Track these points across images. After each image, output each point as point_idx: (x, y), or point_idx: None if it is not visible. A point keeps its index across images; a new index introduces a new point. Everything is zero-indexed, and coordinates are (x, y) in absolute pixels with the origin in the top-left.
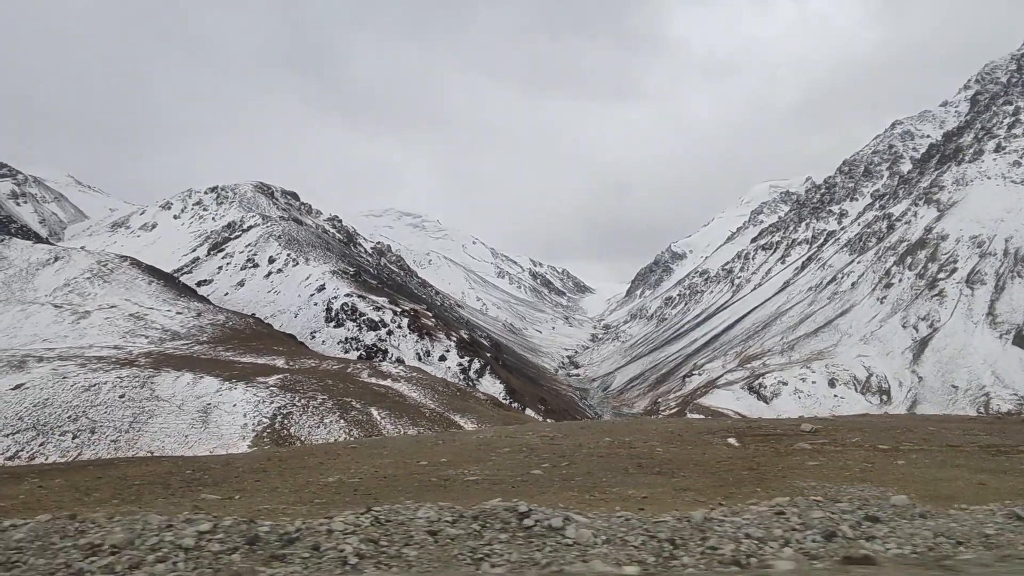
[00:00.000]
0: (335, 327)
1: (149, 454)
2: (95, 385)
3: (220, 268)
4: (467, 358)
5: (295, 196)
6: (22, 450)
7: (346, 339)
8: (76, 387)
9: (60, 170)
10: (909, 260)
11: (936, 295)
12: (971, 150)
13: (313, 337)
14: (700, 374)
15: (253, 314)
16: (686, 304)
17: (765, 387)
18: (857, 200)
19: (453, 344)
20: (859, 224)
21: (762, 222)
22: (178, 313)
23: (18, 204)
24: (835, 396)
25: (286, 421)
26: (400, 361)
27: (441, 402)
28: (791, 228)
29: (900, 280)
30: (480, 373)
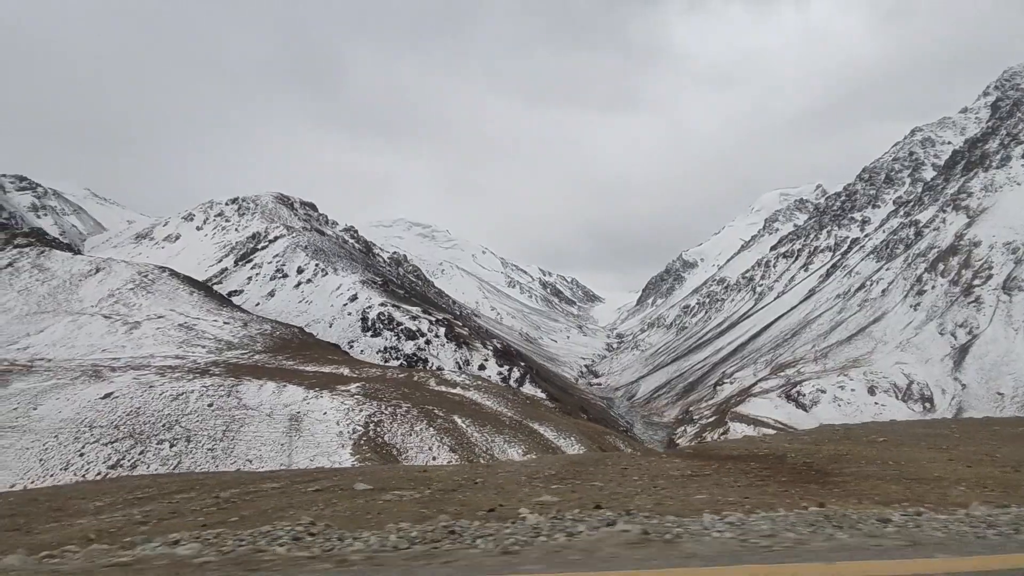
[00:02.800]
0: (372, 336)
1: (248, 463)
2: (182, 394)
3: (249, 279)
4: (506, 367)
5: (313, 207)
6: (123, 459)
7: (385, 348)
8: (164, 396)
9: (77, 183)
10: (941, 267)
11: (973, 302)
12: (998, 156)
13: (351, 347)
14: (731, 383)
15: (286, 323)
16: (706, 312)
17: (803, 395)
18: (879, 207)
19: (491, 353)
20: (884, 231)
21: (777, 230)
22: (225, 323)
23: (39, 216)
24: (876, 404)
25: (379, 429)
26: (440, 370)
27: (516, 410)
28: (812, 236)
29: (933, 287)
30: (520, 382)
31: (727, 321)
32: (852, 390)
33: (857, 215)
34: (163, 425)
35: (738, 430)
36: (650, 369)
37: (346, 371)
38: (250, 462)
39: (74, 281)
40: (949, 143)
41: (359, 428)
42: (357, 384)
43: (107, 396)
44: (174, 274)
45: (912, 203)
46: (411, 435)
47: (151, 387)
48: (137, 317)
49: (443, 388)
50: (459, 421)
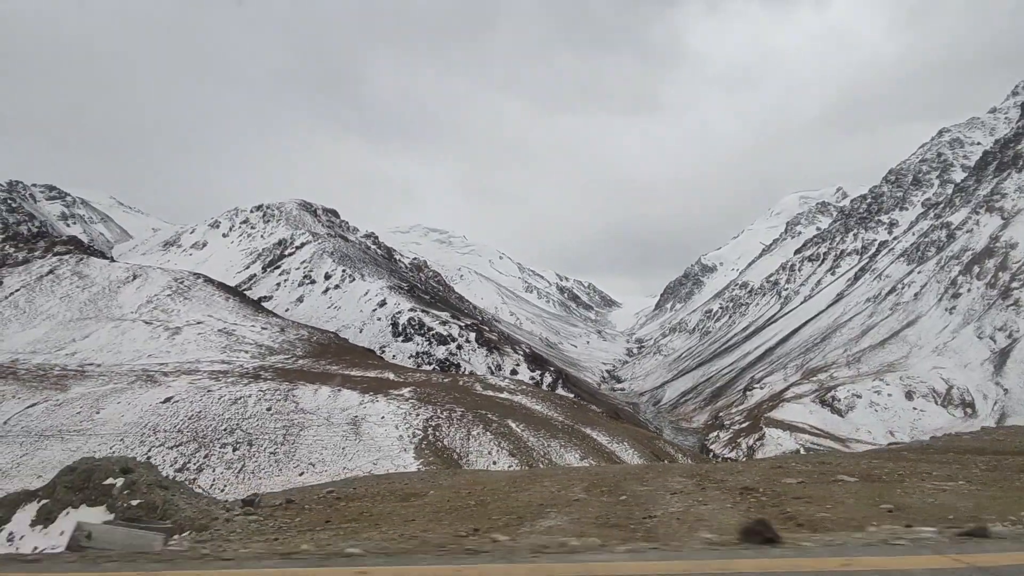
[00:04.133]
0: (404, 342)
1: (310, 466)
2: (240, 398)
3: (278, 285)
4: (538, 371)
5: (335, 213)
6: (189, 462)
7: (417, 353)
8: (223, 400)
9: (103, 191)
10: (976, 269)
11: (1012, 305)
12: None
13: (383, 351)
14: (761, 388)
15: (321, 329)
16: (730, 317)
17: (838, 400)
18: (907, 209)
19: (521, 358)
20: (914, 233)
21: (800, 233)
22: (263, 328)
23: (68, 225)
24: (914, 409)
25: (437, 433)
26: (473, 374)
27: (566, 414)
28: (838, 239)
29: (969, 290)
30: (552, 387)
31: (752, 326)
32: (889, 395)
33: (884, 217)
34: (224, 429)
35: (774, 436)
36: (675, 374)
37: (392, 376)
38: (312, 465)
39: (113, 288)
40: (979, 144)
41: (418, 432)
42: (408, 388)
43: (167, 400)
44: (208, 280)
45: (942, 205)
46: (469, 439)
47: (208, 391)
48: (177, 323)
49: (490, 392)
50: (513, 425)
